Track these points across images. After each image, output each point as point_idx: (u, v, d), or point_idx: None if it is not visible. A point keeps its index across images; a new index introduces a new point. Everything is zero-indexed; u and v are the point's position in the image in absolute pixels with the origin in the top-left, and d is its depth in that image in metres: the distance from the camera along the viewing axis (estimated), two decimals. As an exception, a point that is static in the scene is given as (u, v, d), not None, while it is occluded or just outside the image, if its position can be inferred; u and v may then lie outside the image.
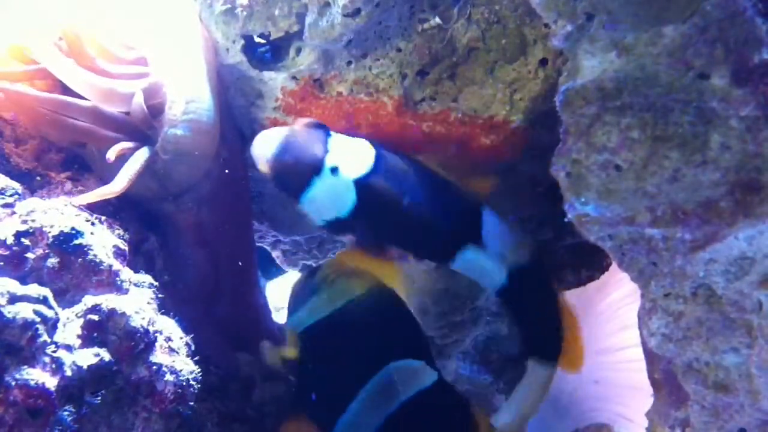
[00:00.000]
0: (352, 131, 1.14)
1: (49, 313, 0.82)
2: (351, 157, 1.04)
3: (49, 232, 0.88)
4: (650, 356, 0.86)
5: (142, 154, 0.99)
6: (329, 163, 1.02)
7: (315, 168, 1.01)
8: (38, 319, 0.80)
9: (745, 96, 0.70)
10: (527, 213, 1.27)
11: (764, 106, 0.70)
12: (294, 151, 1.01)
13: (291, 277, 1.66)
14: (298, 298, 1.11)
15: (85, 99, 1.00)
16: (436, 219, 1.06)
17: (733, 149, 0.71)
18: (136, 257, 1.03)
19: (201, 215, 1.12)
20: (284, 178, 1.03)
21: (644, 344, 0.85)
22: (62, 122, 1.01)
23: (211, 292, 1.16)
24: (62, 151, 1.07)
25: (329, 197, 1.03)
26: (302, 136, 1.03)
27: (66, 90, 1.01)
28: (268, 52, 1.11)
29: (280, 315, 1.40)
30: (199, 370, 0.94)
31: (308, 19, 1.04)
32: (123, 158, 0.97)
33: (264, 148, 1.02)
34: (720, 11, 0.71)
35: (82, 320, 0.85)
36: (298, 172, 1.02)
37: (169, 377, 0.90)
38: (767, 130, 0.70)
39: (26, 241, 0.87)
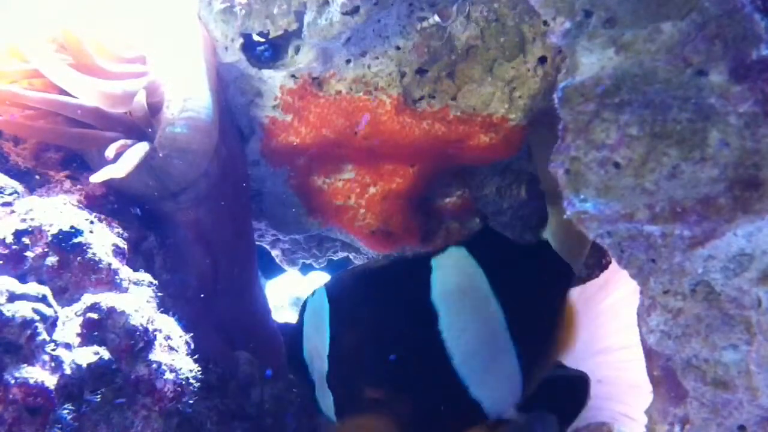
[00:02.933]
0: (351, 129, 1.14)
1: (49, 312, 0.82)
2: None
3: (49, 231, 0.88)
4: (649, 353, 0.86)
5: (143, 146, 0.99)
6: None
7: None
8: (37, 318, 0.80)
9: (743, 92, 0.70)
10: (526, 211, 1.27)
11: (763, 102, 0.70)
12: None
13: (290, 276, 1.66)
14: None
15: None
16: None
17: (731, 146, 0.71)
18: (136, 256, 1.03)
19: (200, 213, 1.12)
20: None
21: (643, 341, 0.85)
22: (58, 132, 1.01)
23: (210, 290, 1.16)
24: (61, 150, 1.07)
25: None
26: None
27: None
28: (267, 51, 1.11)
29: (279, 314, 1.40)
30: (199, 368, 0.94)
31: (307, 18, 1.03)
32: (121, 156, 0.97)
33: None
34: (718, 8, 0.71)
35: (81, 318, 0.85)
36: None
37: (168, 375, 0.90)
38: (766, 127, 0.70)
39: (25, 240, 0.87)
